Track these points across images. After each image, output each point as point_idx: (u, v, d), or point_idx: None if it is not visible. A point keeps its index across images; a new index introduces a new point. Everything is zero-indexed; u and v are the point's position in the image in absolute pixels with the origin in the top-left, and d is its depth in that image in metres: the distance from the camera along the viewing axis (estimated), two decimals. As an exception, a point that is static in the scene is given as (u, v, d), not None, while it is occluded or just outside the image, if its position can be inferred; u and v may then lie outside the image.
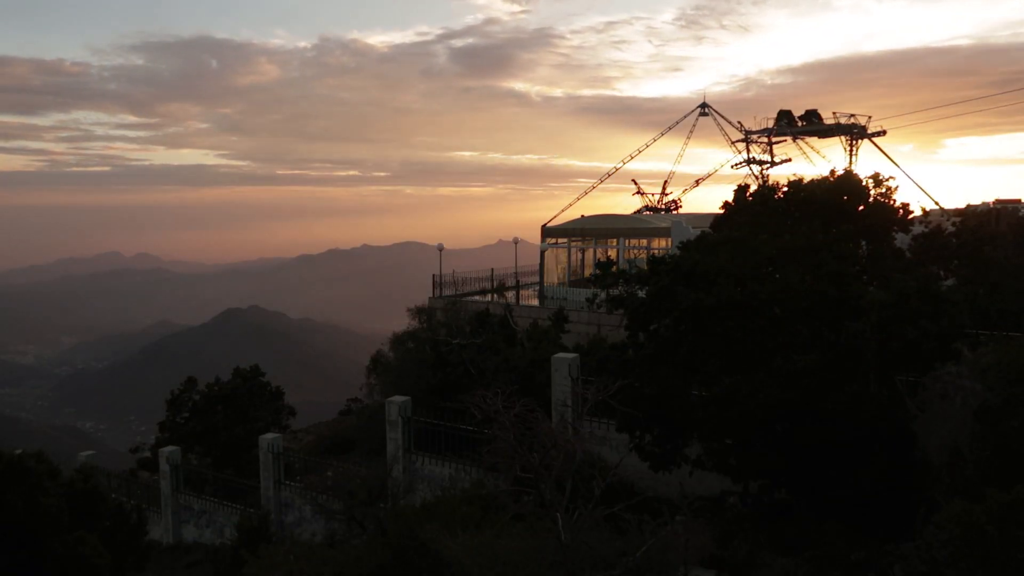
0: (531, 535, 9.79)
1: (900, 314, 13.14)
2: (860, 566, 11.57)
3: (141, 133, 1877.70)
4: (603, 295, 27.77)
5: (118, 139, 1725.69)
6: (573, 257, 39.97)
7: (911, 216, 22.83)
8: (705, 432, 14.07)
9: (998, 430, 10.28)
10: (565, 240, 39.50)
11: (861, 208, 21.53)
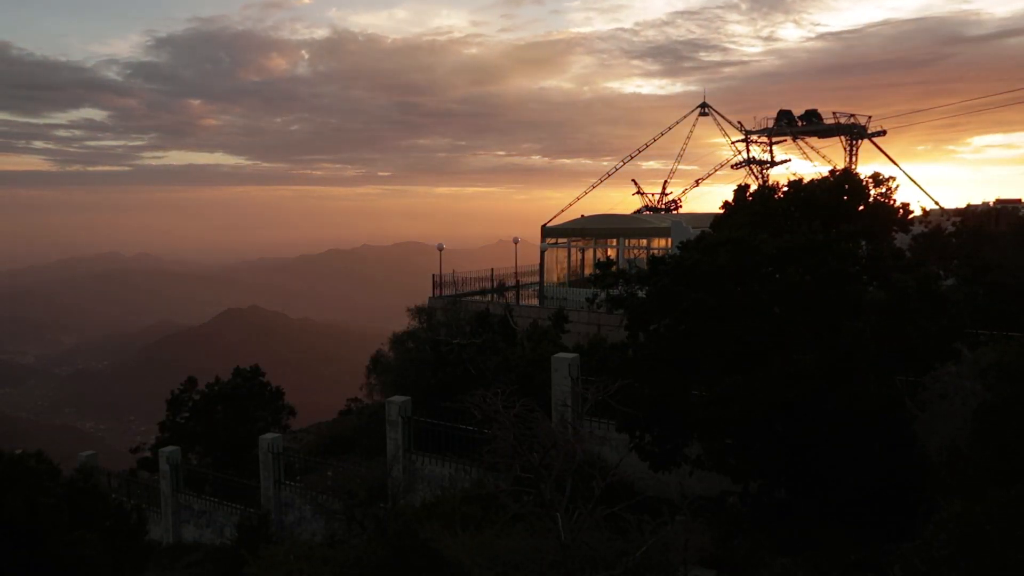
0: (531, 535, 9.79)
1: (900, 314, 13.14)
2: (860, 566, 11.57)
3: (152, 133, 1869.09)
4: (603, 295, 27.76)
5: (124, 137, 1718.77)
6: (573, 257, 39.98)
7: (911, 216, 22.82)
8: (705, 432, 14.07)
9: (998, 430, 10.28)
10: (565, 240, 39.51)
11: (861, 208, 21.51)
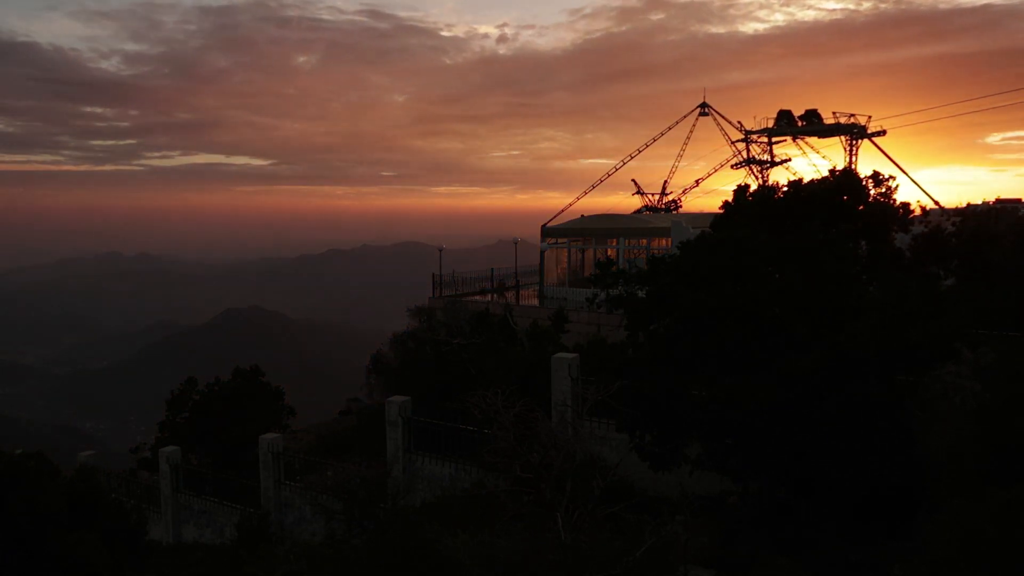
0: (531, 535, 9.79)
1: (900, 314, 13.14)
2: (860, 566, 11.57)
3: (159, 132, 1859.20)
4: (603, 295, 27.77)
5: (130, 136, 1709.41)
6: (573, 257, 39.98)
7: (911, 216, 22.82)
8: (705, 432, 14.07)
9: (998, 430, 10.28)
10: (565, 240, 39.51)
11: (861, 208, 21.52)
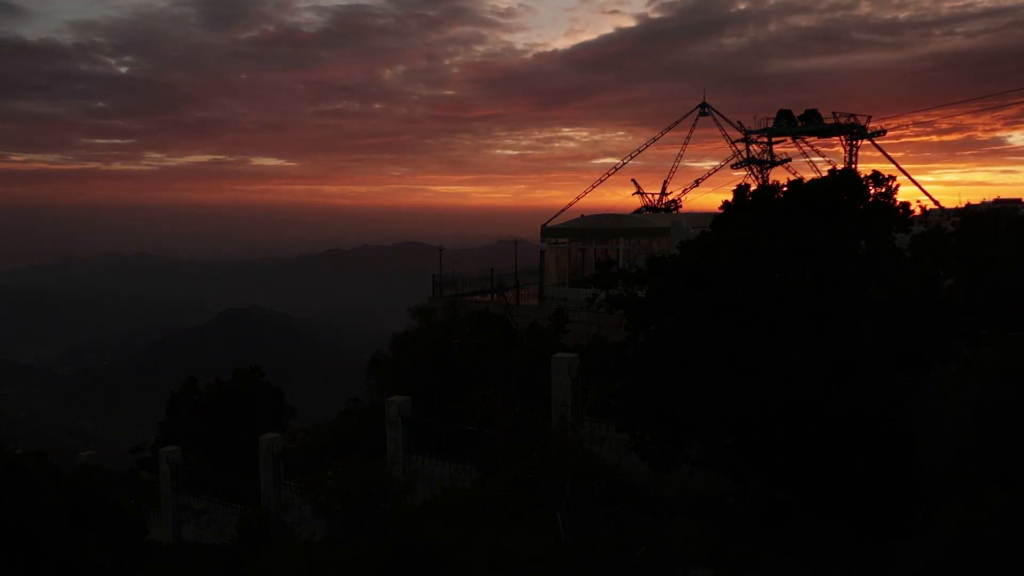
0: (531, 535, 9.79)
1: (900, 314, 13.14)
2: (860, 566, 11.57)
3: (162, 131, 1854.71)
4: (603, 295, 27.75)
5: (131, 136, 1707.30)
6: (573, 257, 39.95)
7: (911, 216, 22.82)
8: (705, 432, 14.06)
9: (998, 430, 10.28)
10: (565, 240, 39.48)
11: (861, 208, 21.50)
